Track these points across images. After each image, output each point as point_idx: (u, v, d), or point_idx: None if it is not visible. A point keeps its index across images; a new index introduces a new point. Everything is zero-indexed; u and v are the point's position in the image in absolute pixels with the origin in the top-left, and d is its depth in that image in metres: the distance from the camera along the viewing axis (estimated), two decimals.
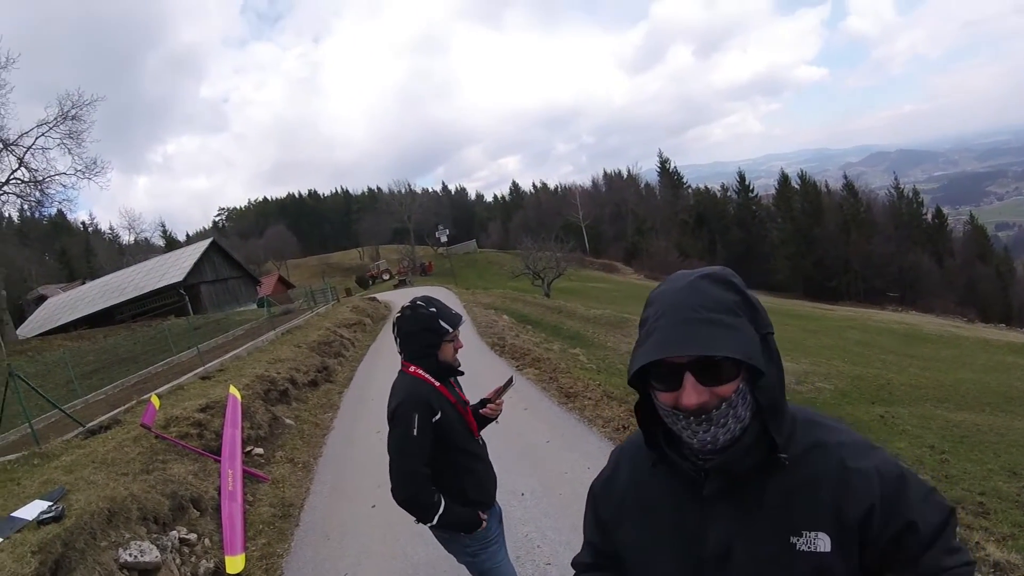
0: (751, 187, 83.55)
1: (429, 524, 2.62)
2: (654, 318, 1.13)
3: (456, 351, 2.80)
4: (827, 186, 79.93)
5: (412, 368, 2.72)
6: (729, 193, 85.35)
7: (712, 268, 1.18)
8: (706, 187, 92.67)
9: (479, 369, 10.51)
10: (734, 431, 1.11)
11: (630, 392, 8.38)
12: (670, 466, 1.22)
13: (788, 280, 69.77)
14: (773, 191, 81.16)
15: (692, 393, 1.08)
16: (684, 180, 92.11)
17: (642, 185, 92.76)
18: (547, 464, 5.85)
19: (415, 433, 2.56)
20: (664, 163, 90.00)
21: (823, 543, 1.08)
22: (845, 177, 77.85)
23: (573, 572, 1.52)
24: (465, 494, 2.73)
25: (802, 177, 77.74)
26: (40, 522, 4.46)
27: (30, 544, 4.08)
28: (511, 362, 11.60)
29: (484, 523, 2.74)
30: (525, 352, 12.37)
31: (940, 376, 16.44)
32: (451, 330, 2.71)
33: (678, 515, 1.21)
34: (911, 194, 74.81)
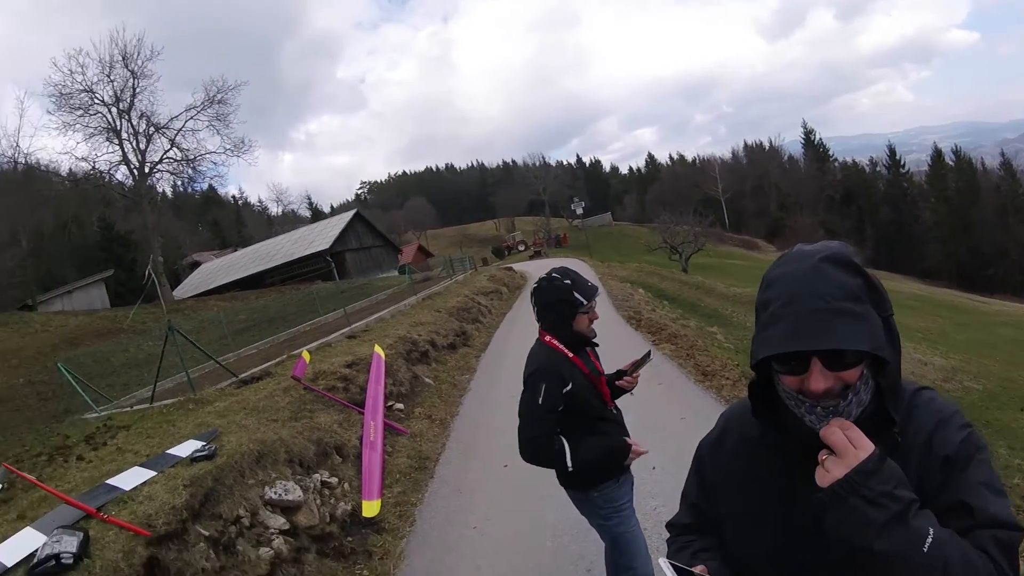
0: (902, 162, 76.69)
1: (570, 471, 2.67)
2: (778, 304, 1.10)
3: (591, 322, 2.82)
4: (983, 164, 71.96)
5: (548, 338, 2.79)
6: (878, 168, 78.90)
7: (832, 246, 1.13)
8: (854, 161, 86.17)
9: (614, 342, 10.44)
10: (855, 415, 1.10)
11: None
12: (778, 436, 1.21)
13: (940, 266, 63.70)
14: (925, 167, 74.03)
15: (820, 379, 1.07)
16: (830, 153, 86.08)
17: (785, 158, 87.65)
18: (680, 441, 5.72)
19: (540, 401, 2.63)
20: (808, 134, 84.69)
21: None
22: (1002, 155, 69.09)
23: (668, 534, 1.53)
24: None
25: (957, 153, 70.29)
26: (193, 459, 4.90)
27: (182, 478, 4.50)
28: (647, 336, 11.43)
29: (632, 446, 2.76)
30: (661, 327, 12.14)
31: None
32: (586, 302, 2.73)
33: (784, 483, 1.20)
34: None
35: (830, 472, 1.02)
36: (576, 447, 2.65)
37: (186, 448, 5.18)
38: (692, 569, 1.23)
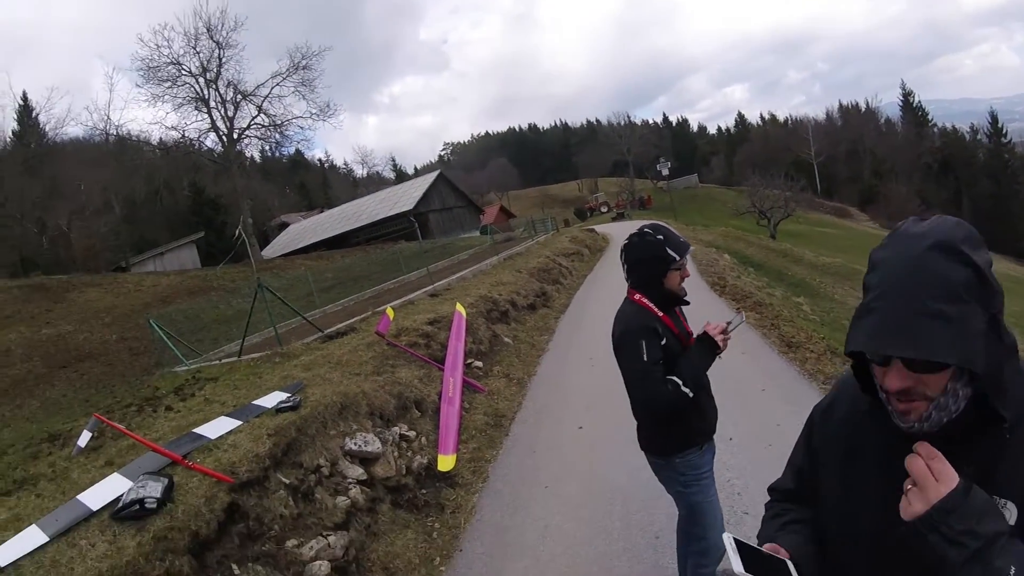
0: (1004, 130, 70.18)
1: (691, 396, 2.60)
2: (875, 295, 1.05)
3: (682, 280, 2.75)
4: None
5: (637, 296, 2.74)
6: (979, 136, 72.51)
7: (944, 229, 1.04)
8: (954, 127, 79.33)
9: (698, 307, 10.22)
10: (940, 420, 1.05)
11: None
12: (883, 414, 1.16)
13: None
14: None
15: (895, 378, 1.04)
16: (929, 117, 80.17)
17: (882, 120, 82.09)
18: (760, 413, 5.63)
19: (646, 358, 2.59)
20: (907, 96, 79.10)
21: (1009, 512, 1.02)
22: None
23: (769, 498, 1.51)
24: (689, 422, 2.74)
25: None
26: (278, 410, 5.16)
27: (267, 427, 4.74)
28: (731, 303, 11.16)
29: (722, 336, 2.68)
30: (746, 295, 11.82)
31: None
32: (678, 258, 2.66)
33: (886, 461, 1.15)
34: None
35: (911, 506, 1.00)
36: (681, 374, 2.59)
37: (272, 399, 5.44)
38: (763, 548, 1.23)
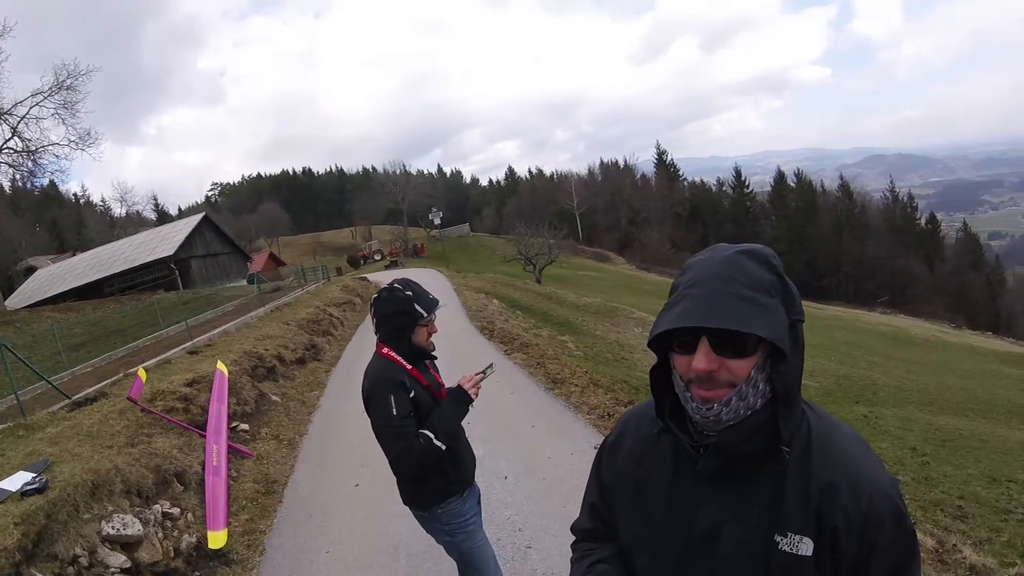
0: (747, 183, 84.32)
1: (444, 449, 2.60)
2: (686, 285, 1.12)
3: (430, 336, 2.79)
4: (823, 186, 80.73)
5: (385, 350, 2.73)
6: (725, 188, 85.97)
7: (753, 245, 1.14)
8: (702, 181, 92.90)
9: (467, 352, 10.51)
10: (739, 413, 1.10)
11: (616, 380, 8.40)
12: (674, 439, 1.21)
13: None
14: (769, 188, 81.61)
15: (703, 358, 1.07)
16: (680, 173, 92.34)
17: (638, 176, 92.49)
18: (531, 448, 5.86)
19: (395, 412, 2.57)
20: (661, 155, 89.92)
21: (806, 547, 1.07)
22: (841, 178, 78.81)
23: (572, 539, 1.51)
24: (445, 473, 2.74)
25: (798, 175, 78.61)
26: (23, 493, 4.40)
27: (12, 515, 4.03)
28: (500, 346, 11.60)
29: (462, 384, 2.73)
30: (514, 337, 12.36)
31: (925, 380, 16.61)
32: (426, 315, 2.71)
33: (673, 490, 1.20)
34: (906, 199, 75.86)
35: None
36: (431, 428, 2.59)
37: (16, 481, 4.61)
38: None
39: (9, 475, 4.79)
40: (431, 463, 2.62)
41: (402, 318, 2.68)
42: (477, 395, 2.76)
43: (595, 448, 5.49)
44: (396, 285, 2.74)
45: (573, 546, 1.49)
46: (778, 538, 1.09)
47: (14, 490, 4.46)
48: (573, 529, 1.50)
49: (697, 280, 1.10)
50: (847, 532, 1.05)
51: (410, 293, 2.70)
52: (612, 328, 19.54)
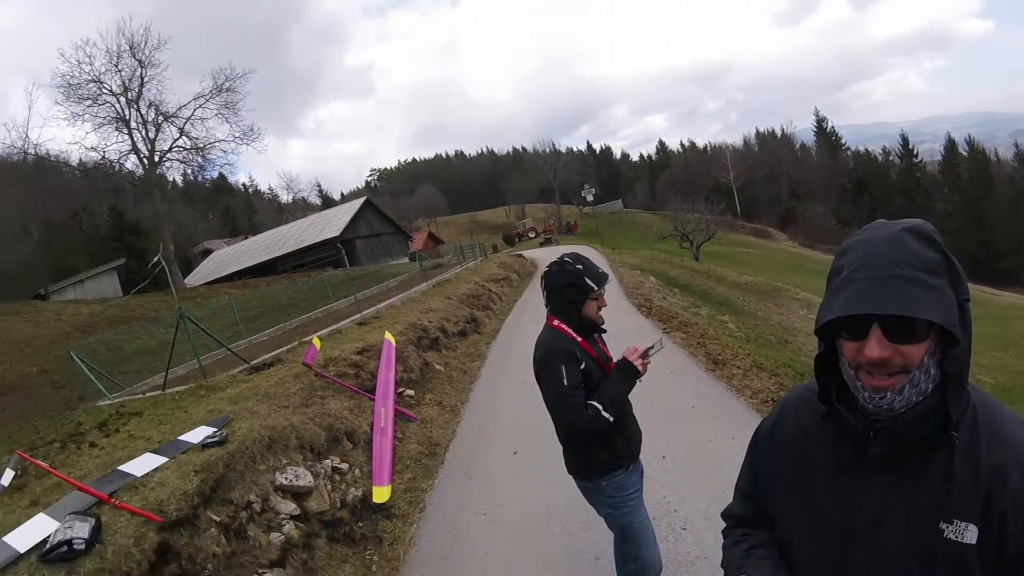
0: (915, 151, 76.30)
1: (611, 421, 2.62)
2: (851, 268, 1.07)
3: (599, 309, 2.81)
4: (997, 155, 70.90)
5: (556, 322, 2.78)
6: (891, 157, 78.33)
7: (915, 221, 1.09)
8: (866, 150, 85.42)
9: (625, 329, 10.42)
10: (911, 399, 1.07)
11: (781, 364, 7.97)
12: (839, 424, 1.17)
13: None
14: (938, 157, 73.50)
15: (876, 346, 1.04)
16: (843, 141, 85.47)
17: (797, 145, 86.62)
18: (690, 430, 5.73)
19: (566, 382, 2.60)
20: (821, 122, 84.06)
21: (971, 535, 1.04)
22: (1016, 146, 68.01)
23: (724, 524, 1.49)
24: (612, 445, 2.75)
25: (970, 144, 69.16)
26: (205, 445, 4.95)
27: (194, 464, 4.54)
28: (657, 324, 11.40)
29: (641, 363, 2.70)
30: (672, 315, 12.08)
31: None
32: (596, 288, 2.72)
33: (837, 476, 1.17)
34: None
35: None
36: (601, 399, 2.62)
37: (198, 434, 5.21)
38: None
39: (193, 429, 5.43)
40: (598, 434, 2.64)
41: (573, 291, 2.72)
42: (645, 370, 2.74)
43: None
44: (567, 259, 2.78)
45: (724, 532, 1.48)
46: (943, 525, 1.06)
47: (196, 442, 5.04)
48: (724, 515, 1.49)
49: (863, 262, 1.06)
50: (1015, 514, 1.02)
51: (580, 267, 2.73)
52: (775, 309, 18.55)
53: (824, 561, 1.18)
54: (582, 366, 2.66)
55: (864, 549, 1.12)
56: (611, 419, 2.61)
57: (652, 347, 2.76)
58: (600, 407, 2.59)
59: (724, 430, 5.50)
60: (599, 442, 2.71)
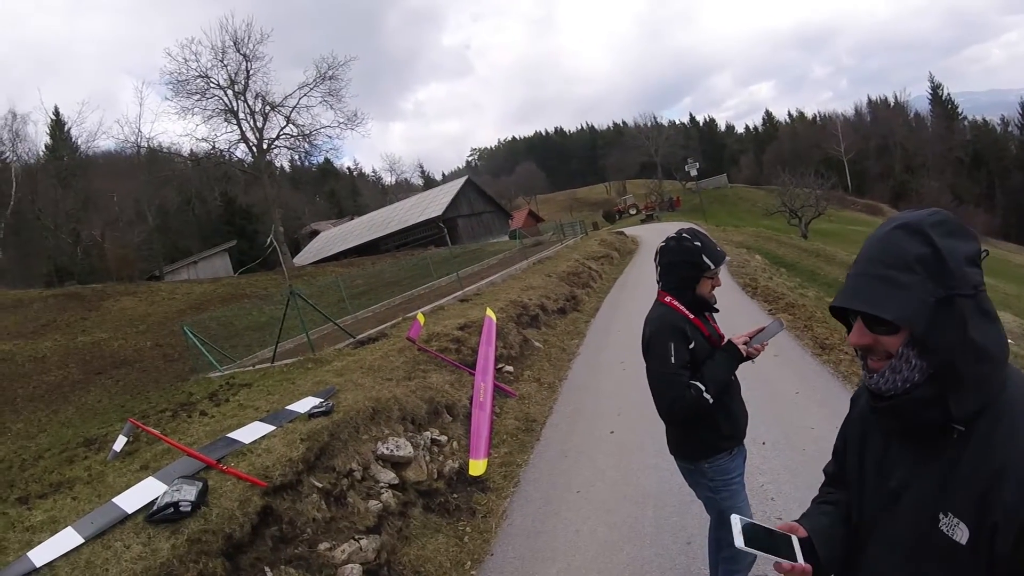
0: None
1: (711, 402, 2.58)
2: (853, 263, 1.20)
3: (713, 288, 2.75)
4: None
5: (668, 298, 2.73)
6: (1010, 128, 71.38)
7: (914, 215, 1.15)
8: (984, 119, 77.86)
9: (729, 309, 10.13)
10: (896, 384, 1.13)
11: None
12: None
13: None
14: None
15: (855, 333, 1.18)
16: (959, 110, 78.70)
17: (911, 115, 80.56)
18: (793, 416, 5.55)
19: (673, 360, 2.58)
20: (936, 89, 77.88)
21: (961, 533, 1.05)
22: None
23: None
24: (718, 427, 2.71)
25: None
26: (311, 415, 5.21)
27: (300, 432, 4.79)
28: (763, 305, 11.03)
29: (744, 349, 2.65)
30: (779, 296, 11.66)
31: None
32: (713, 267, 2.66)
33: (883, 449, 1.25)
34: None
35: None
36: (704, 380, 2.58)
37: (304, 404, 5.49)
38: (775, 528, 1.32)
39: (300, 400, 5.72)
40: (700, 414, 2.60)
41: (689, 268, 2.67)
42: (755, 353, 2.67)
43: None
44: (685, 235, 2.72)
45: (820, 487, 1.56)
46: (941, 516, 1.09)
47: (302, 412, 5.30)
48: (825, 471, 1.57)
49: (857, 259, 1.18)
50: (1004, 530, 1.00)
51: (699, 244, 2.67)
52: None
53: (862, 528, 1.28)
54: (691, 345, 2.62)
55: (887, 519, 1.20)
56: (711, 401, 2.56)
57: (766, 329, 2.67)
58: (703, 388, 2.56)
59: (828, 418, 5.29)
60: (704, 423, 2.67)
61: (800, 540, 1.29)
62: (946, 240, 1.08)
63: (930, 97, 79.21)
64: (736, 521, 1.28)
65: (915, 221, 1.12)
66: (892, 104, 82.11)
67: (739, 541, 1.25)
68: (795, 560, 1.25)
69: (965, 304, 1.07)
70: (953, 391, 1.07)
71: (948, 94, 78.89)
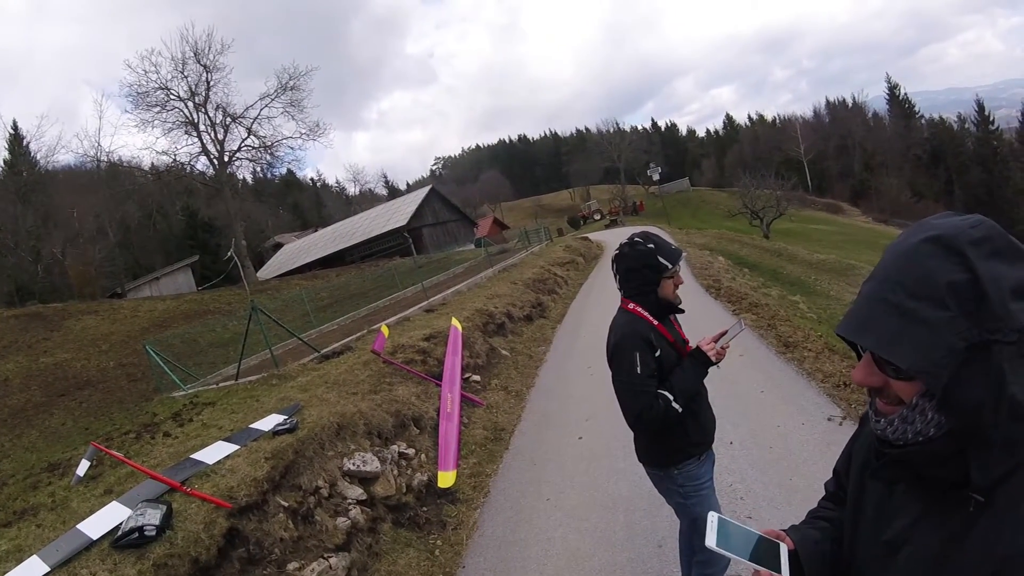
0: (991, 118, 71.24)
1: (680, 411, 2.56)
2: (865, 280, 0.96)
3: (676, 287, 2.72)
4: None
5: (631, 305, 2.70)
6: (967, 125, 73.57)
7: (954, 224, 0.88)
8: (941, 117, 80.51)
9: (694, 312, 10.19)
10: (906, 435, 0.93)
11: None
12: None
13: None
14: (1016, 124, 68.36)
15: (860, 369, 0.96)
16: (916, 108, 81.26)
17: (869, 115, 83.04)
18: (759, 415, 5.60)
19: (639, 371, 2.55)
20: (893, 89, 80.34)
21: None
22: None
23: (797, 513, 1.50)
24: (686, 434, 2.69)
25: None
26: (275, 432, 5.13)
27: (264, 451, 4.71)
28: (727, 306, 11.14)
29: (713, 352, 2.62)
30: (742, 296, 11.78)
31: None
32: (671, 266, 2.63)
33: (883, 488, 1.07)
34: None
35: None
36: (672, 389, 2.56)
37: (269, 422, 5.41)
38: (760, 532, 1.22)
39: (263, 417, 5.63)
40: (668, 424, 2.58)
41: (648, 272, 2.64)
42: (722, 355, 2.65)
43: (828, 419, 5.12)
44: (637, 239, 2.69)
45: (820, 500, 1.45)
46: None
47: (267, 430, 5.22)
48: (825, 485, 1.44)
49: (872, 275, 0.94)
50: None
51: (652, 245, 2.64)
52: (848, 288, 17.81)
53: (852, 570, 1.13)
54: (657, 353, 2.60)
55: (878, 570, 1.03)
56: (680, 410, 2.55)
57: (729, 331, 2.66)
58: (671, 398, 2.54)
59: (794, 416, 5.36)
60: (671, 431, 2.65)
61: (788, 553, 1.18)
62: (989, 264, 0.83)
63: (888, 97, 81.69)
64: (713, 518, 1.19)
65: (950, 234, 0.86)
66: (851, 105, 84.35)
67: (711, 540, 1.16)
68: (779, 572, 1.14)
69: (1005, 352, 0.82)
70: (976, 452, 0.86)
71: (905, 93, 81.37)
